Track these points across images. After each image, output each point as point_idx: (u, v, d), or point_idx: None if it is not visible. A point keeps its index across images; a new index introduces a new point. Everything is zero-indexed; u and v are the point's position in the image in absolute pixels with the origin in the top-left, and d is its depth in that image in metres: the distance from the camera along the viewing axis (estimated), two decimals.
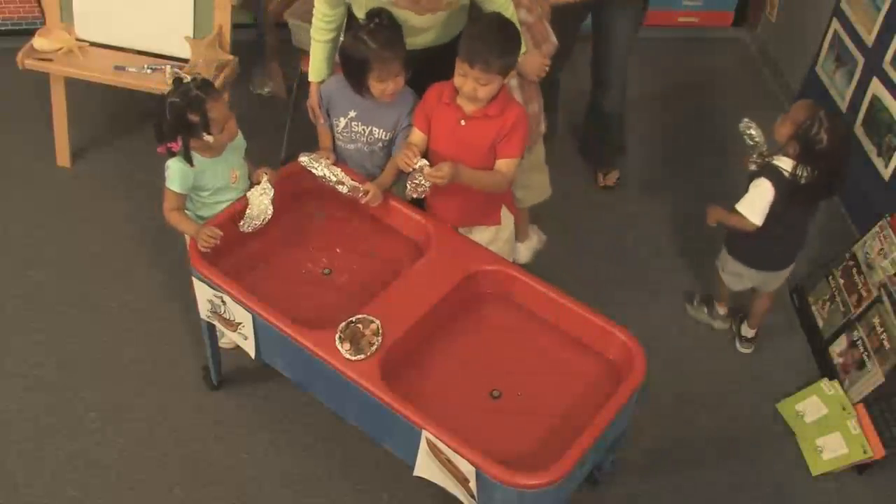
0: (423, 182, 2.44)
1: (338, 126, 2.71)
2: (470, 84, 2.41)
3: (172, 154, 2.50)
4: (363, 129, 2.68)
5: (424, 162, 2.43)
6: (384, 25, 2.53)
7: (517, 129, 2.51)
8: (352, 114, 2.67)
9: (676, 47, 4.55)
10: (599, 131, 3.66)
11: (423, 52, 2.71)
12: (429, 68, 2.60)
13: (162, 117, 2.45)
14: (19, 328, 3.07)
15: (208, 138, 2.46)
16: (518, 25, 2.58)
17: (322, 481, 2.69)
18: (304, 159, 2.62)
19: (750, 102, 4.24)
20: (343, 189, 2.59)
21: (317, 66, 2.78)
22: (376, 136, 2.69)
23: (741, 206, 2.74)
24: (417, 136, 2.59)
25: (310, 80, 2.81)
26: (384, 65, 2.51)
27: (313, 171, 2.60)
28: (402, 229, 2.66)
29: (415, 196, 2.52)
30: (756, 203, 2.71)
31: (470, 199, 2.61)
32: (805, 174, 2.64)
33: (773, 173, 2.69)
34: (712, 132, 4.05)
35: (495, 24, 2.47)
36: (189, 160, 2.50)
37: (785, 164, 2.68)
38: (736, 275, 2.96)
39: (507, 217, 2.78)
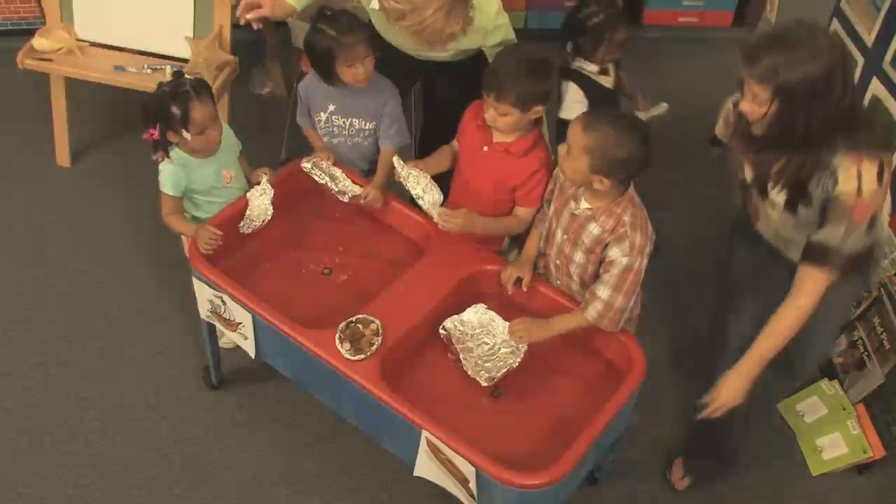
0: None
1: (319, 122, 2.72)
2: (490, 111, 2.41)
3: (155, 144, 2.49)
4: (343, 123, 2.69)
5: (442, 209, 2.46)
6: (341, 12, 2.52)
7: (540, 179, 2.48)
8: (331, 108, 2.67)
9: (676, 47, 4.54)
10: None
11: (434, 64, 2.70)
12: (440, 79, 2.59)
13: (150, 100, 2.46)
14: (19, 327, 3.07)
15: (185, 136, 2.46)
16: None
17: (322, 481, 2.69)
18: (306, 165, 2.66)
19: None
20: (344, 199, 2.64)
21: None
22: (357, 126, 2.70)
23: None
24: (454, 144, 2.63)
25: None
26: (348, 50, 2.50)
27: (315, 178, 2.65)
28: (402, 229, 2.66)
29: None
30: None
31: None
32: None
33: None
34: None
35: (518, 54, 2.42)
36: (165, 151, 2.49)
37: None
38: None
39: None
